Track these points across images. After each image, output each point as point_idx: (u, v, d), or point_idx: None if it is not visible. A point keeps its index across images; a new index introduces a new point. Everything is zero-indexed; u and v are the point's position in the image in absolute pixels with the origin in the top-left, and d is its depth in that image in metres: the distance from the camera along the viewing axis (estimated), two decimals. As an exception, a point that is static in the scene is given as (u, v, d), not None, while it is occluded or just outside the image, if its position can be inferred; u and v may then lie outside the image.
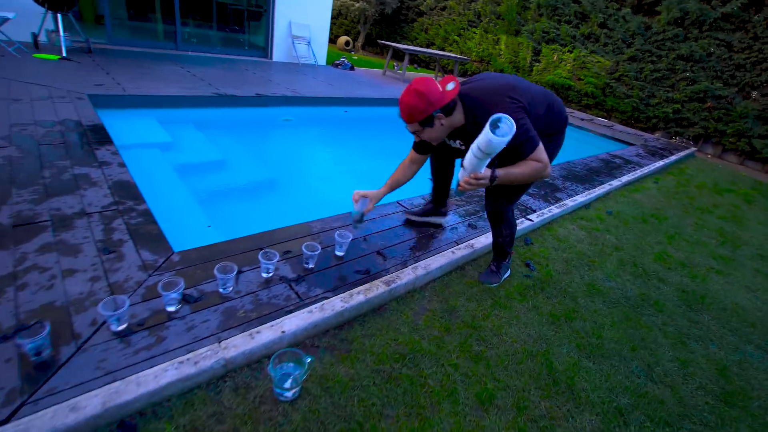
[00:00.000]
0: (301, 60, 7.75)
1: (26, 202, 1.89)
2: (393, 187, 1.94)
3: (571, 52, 9.43)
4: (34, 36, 4.91)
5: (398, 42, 13.63)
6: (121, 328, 1.32)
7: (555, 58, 9.65)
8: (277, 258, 1.70)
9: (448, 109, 1.54)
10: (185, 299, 1.48)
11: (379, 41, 9.24)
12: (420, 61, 12.72)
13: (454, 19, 11.76)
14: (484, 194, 1.96)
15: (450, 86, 1.52)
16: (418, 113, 1.52)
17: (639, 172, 4.88)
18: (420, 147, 1.89)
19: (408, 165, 1.94)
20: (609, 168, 4.75)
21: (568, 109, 9.07)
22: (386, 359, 1.52)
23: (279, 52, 7.70)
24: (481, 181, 1.47)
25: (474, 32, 11.27)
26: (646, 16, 8.48)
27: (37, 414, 1.04)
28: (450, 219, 2.49)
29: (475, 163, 1.44)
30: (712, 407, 1.61)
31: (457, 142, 1.78)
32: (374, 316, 1.74)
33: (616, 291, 2.30)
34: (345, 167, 4.23)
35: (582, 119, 8.13)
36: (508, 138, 1.31)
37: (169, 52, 6.49)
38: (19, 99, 3.18)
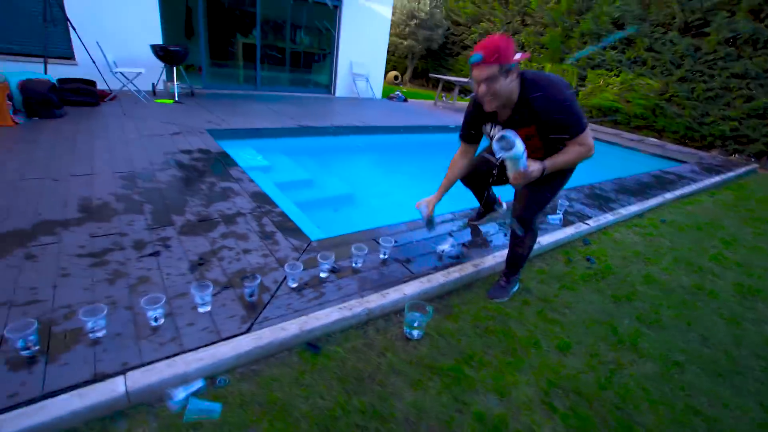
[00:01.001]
0: (361, 95, 8.61)
1: (199, 206, 2.57)
2: (448, 186, 2.11)
3: (617, 75, 9.65)
4: (153, 85, 6.03)
5: (444, 74, 14.43)
6: (295, 285, 1.88)
7: (601, 82, 9.90)
8: (392, 244, 2.22)
9: (518, 72, 1.59)
10: (333, 270, 2.02)
11: (430, 74, 9.98)
12: (467, 92, 13.37)
13: (497, 51, 12.38)
14: (514, 211, 2.00)
15: (517, 56, 1.53)
16: (504, 56, 1.49)
17: (694, 186, 5.03)
18: (469, 137, 1.97)
19: (459, 159, 2.06)
20: (662, 183, 4.95)
21: (615, 131, 9.23)
22: (481, 318, 1.96)
23: (341, 88, 8.61)
24: (532, 175, 1.61)
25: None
26: (695, 38, 8.60)
27: (263, 329, 1.59)
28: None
29: (511, 166, 1.61)
30: (763, 367, 1.88)
31: (497, 127, 1.79)
32: (466, 291, 2.19)
33: (671, 282, 2.59)
34: (409, 182, 4.79)
35: (631, 140, 8.26)
36: (512, 152, 1.50)
37: (250, 93, 7.53)
38: (161, 134, 4.05)
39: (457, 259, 2.32)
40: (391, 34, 13.51)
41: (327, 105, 7.34)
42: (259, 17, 7.32)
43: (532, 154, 1.70)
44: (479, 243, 2.61)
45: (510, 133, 1.50)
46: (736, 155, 8.33)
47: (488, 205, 2.67)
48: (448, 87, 12.57)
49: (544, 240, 2.74)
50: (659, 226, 3.61)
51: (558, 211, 3.19)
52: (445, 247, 2.35)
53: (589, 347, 1.86)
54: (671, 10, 8.71)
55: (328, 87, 8.70)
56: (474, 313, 2.00)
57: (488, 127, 1.85)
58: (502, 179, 2.05)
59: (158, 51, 5.67)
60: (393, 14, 13.32)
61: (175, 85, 5.84)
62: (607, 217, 3.37)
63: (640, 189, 4.48)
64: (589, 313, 2.13)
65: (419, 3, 12.85)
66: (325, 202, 3.77)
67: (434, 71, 14.76)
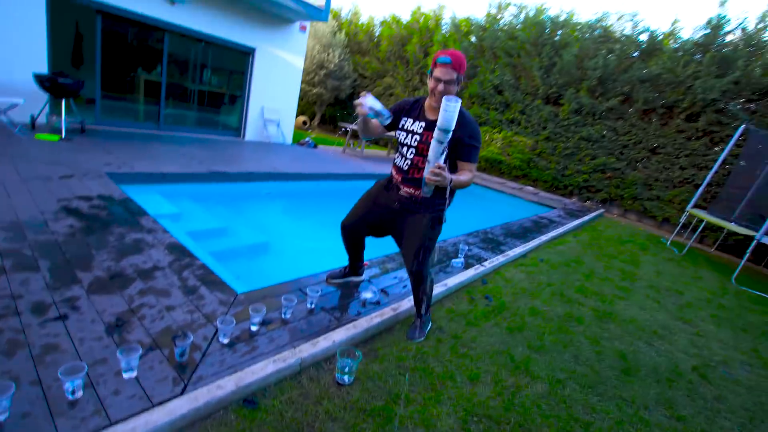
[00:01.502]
0: (271, 139, 8.67)
1: (108, 260, 2.40)
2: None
3: (499, 132, 11.33)
4: (33, 118, 5.35)
5: (352, 121, 15.24)
6: (227, 340, 1.89)
7: (487, 137, 11.49)
8: (319, 293, 2.35)
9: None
10: (263, 322, 2.07)
11: (339, 124, 10.50)
12: (374, 140, 14.26)
13: (400, 104, 13.63)
14: (407, 264, 2.22)
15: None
16: (463, 68, 1.87)
17: (561, 229, 6.11)
18: (390, 125, 2.14)
19: (377, 125, 2.15)
20: (539, 227, 5.92)
21: (500, 180, 10.70)
22: (404, 358, 2.18)
23: (251, 131, 8.58)
24: (443, 174, 1.75)
25: (418, 115, 13.08)
26: (554, 106, 10.64)
27: (199, 390, 1.58)
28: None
29: (436, 149, 1.77)
30: (617, 376, 2.42)
31: (420, 123, 2.03)
32: (388, 334, 2.40)
33: (550, 312, 3.15)
34: (322, 230, 4.97)
35: (513, 188, 9.67)
36: (457, 108, 1.69)
37: (151, 132, 7.09)
38: (49, 177, 3.63)
39: (378, 305, 2.54)
40: (301, 81, 13.98)
41: (237, 149, 7.25)
42: (166, 55, 7.08)
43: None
44: (396, 289, 2.88)
45: (454, 99, 1.70)
46: (589, 201, 10.26)
47: (355, 268, 2.74)
48: (356, 135, 13.29)
49: (451, 282, 3.12)
50: (539, 264, 4.32)
51: (459, 256, 3.65)
52: (368, 294, 2.56)
53: (494, 375, 2.19)
54: (536, 83, 10.69)
55: (238, 130, 8.60)
56: (397, 354, 2.21)
57: (408, 121, 2.07)
58: (383, 230, 2.37)
59: (44, 82, 5.11)
60: (303, 62, 13.88)
61: (63, 120, 5.27)
62: (499, 259, 3.95)
63: (522, 233, 5.31)
64: (491, 344, 2.50)
65: (329, 55, 13.62)
66: (240, 251, 3.73)
67: (342, 119, 15.52)
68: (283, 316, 2.18)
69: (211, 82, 8.30)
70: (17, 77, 5.40)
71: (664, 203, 9.17)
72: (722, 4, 8.41)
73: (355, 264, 2.71)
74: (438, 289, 2.96)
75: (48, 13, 5.58)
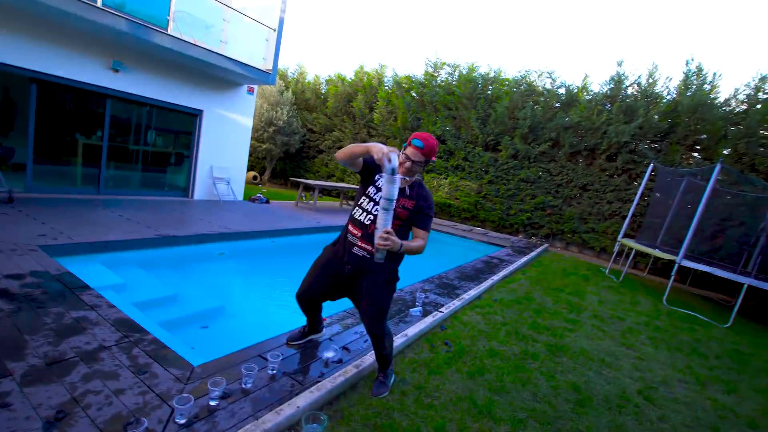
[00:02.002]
0: (222, 197, 8.56)
1: (45, 345, 2.23)
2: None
3: (446, 178, 11.98)
4: (-47, 193, 4.95)
5: (302, 174, 15.44)
6: (184, 420, 1.80)
7: (435, 183, 12.09)
8: (280, 358, 2.32)
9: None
10: (223, 395, 2.00)
11: (291, 178, 10.62)
12: (326, 192, 14.47)
13: (350, 155, 14.08)
14: (366, 325, 2.27)
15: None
16: (433, 155, 2.05)
17: (511, 267, 6.44)
18: (367, 162, 2.16)
19: (360, 164, 2.15)
20: (490, 267, 6.21)
21: (451, 222, 11.18)
22: (370, 416, 2.17)
23: (200, 190, 8.43)
24: (391, 239, 1.84)
25: (368, 165, 13.55)
26: (494, 152, 11.53)
27: (154, 479, 1.49)
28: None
29: (383, 217, 1.85)
30: (572, 409, 2.55)
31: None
32: (352, 392, 2.39)
33: (507, 351, 3.29)
34: (277, 291, 4.90)
35: (464, 230, 10.12)
36: (397, 183, 1.80)
37: (91, 197, 6.76)
38: (-27, 257, 3.34)
39: (341, 363, 2.54)
40: (250, 139, 14.11)
41: (186, 210, 7.07)
42: (108, 118, 6.95)
43: (394, 222, 1.99)
44: (358, 344, 2.89)
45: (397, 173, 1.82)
46: (534, 237, 10.93)
47: (314, 326, 2.71)
48: (309, 188, 13.42)
49: (411, 331, 3.19)
50: (493, 304, 4.52)
51: (417, 304, 3.75)
52: (329, 354, 2.55)
53: (458, 422, 2.23)
54: (475, 132, 11.59)
55: (186, 190, 8.42)
56: (363, 413, 2.20)
57: (381, 179, 2.13)
58: (338, 294, 2.37)
59: (-33, 154, 4.81)
60: (252, 121, 14.09)
61: (-12, 193, 4.93)
62: (455, 303, 4.10)
63: (475, 274, 5.54)
64: (454, 391, 2.55)
65: (277, 112, 13.97)
66: (195, 318, 3.58)
67: (293, 172, 15.68)
68: (243, 386, 2.12)
69: (157, 143, 8.17)
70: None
71: (599, 234, 10.00)
72: (620, 64, 9.84)
73: (314, 323, 2.70)
74: (398, 340, 3.00)
75: (-23, 83, 5.36)
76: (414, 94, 12.91)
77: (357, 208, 2.20)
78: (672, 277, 6.28)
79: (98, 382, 1.98)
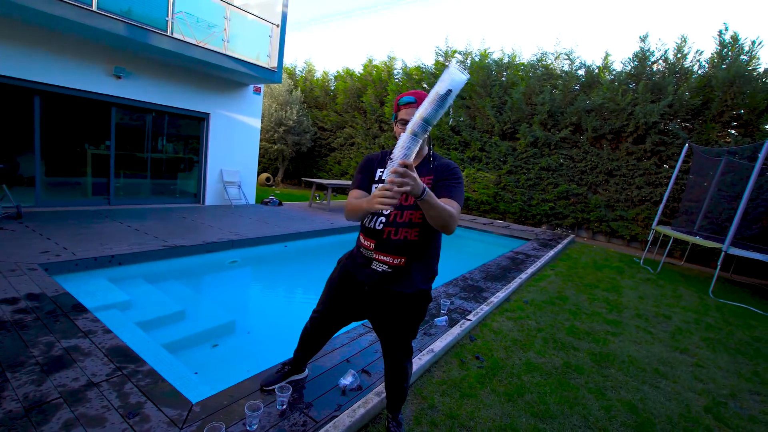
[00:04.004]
0: (233, 202, 8.36)
1: (27, 384, 1.98)
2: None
3: (462, 171, 11.53)
4: (-41, 211, 4.85)
5: (315, 173, 15.21)
6: (175, 478, 1.52)
7: (451, 176, 11.66)
8: (290, 392, 2.02)
9: None
10: (222, 441, 1.71)
11: (303, 179, 10.37)
12: (340, 190, 14.19)
13: (362, 152, 13.76)
14: (387, 355, 1.85)
15: None
16: None
17: (539, 263, 6.02)
18: (362, 184, 1.72)
19: (359, 195, 1.68)
20: (516, 264, 5.81)
21: (470, 216, 10.74)
22: (396, 458, 1.85)
23: (211, 196, 8.25)
24: (411, 177, 1.24)
25: (381, 161, 13.21)
26: (512, 141, 11.02)
27: None
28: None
29: (408, 142, 1.28)
30: (632, 439, 2.17)
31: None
32: (374, 426, 2.07)
33: (546, 364, 2.92)
34: (294, 300, 4.62)
35: (484, 224, 9.69)
36: (462, 78, 1.26)
37: (102, 208, 6.63)
38: (-32, 281, 3.16)
39: (360, 391, 2.22)
40: (260, 139, 13.93)
41: (196, 216, 6.88)
42: (114, 127, 6.80)
43: (411, 212, 1.61)
44: (379, 365, 2.57)
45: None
46: (558, 228, 10.42)
47: (301, 364, 2.22)
48: (321, 187, 13.19)
49: (438, 346, 2.85)
50: (524, 307, 4.13)
51: (442, 312, 3.41)
52: (347, 380, 2.24)
53: (501, 462, 1.89)
54: (491, 121, 11.10)
55: (197, 196, 8.26)
56: (387, 451, 1.89)
57: (382, 172, 1.71)
58: (358, 317, 1.91)
59: (-30, 171, 4.69)
60: (261, 121, 13.91)
61: (-7, 210, 4.81)
62: (484, 308, 3.74)
63: (501, 273, 5.15)
64: (492, 418, 2.21)
65: (286, 112, 13.74)
66: (202, 336, 3.32)
67: (306, 172, 15.46)
68: (249, 428, 1.82)
69: (165, 150, 8.02)
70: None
71: (629, 222, 9.42)
72: (643, 39, 9.18)
73: (308, 359, 2.20)
74: (424, 357, 2.67)
75: (-22, 98, 5.25)
76: (425, 85, 12.47)
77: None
78: (718, 268, 5.75)
79: (80, 431, 1.71)
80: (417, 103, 1.59)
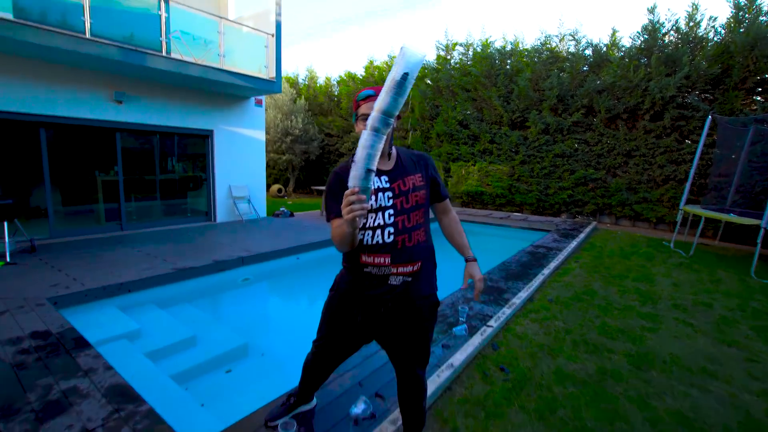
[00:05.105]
0: (244, 217, 8.30)
1: (21, 436, 1.87)
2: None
3: (474, 165, 11.24)
4: (-27, 249, 4.88)
5: (325, 181, 15.09)
6: None
7: (463, 172, 11.38)
8: (294, 428, 1.84)
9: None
10: (222, 492, 1.55)
11: (313, 187, 10.26)
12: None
13: (371, 155, 13.60)
14: (404, 370, 1.69)
15: None
16: None
17: (562, 256, 5.72)
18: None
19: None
20: (537, 259, 5.53)
21: (486, 211, 10.44)
22: (417, 497, 1.66)
23: (221, 213, 8.22)
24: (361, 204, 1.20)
25: (391, 162, 13.03)
26: (522, 130, 10.67)
27: None
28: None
29: (370, 139, 1.17)
30: (685, 456, 1.92)
31: (383, 179, 1.52)
32: (392, 457, 1.88)
33: (579, 372, 2.67)
34: (307, 313, 4.46)
35: (500, 218, 9.38)
36: (418, 58, 1.15)
37: (115, 234, 6.65)
38: (-25, 322, 3.11)
39: (374, 418, 2.04)
40: (269, 151, 13.95)
41: (208, 235, 6.83)
42: (120, 151, 6.81)
43: (413, 213, 1.51)
44: (393, 387, 2.38)
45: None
46: (578, 216, 10.01)
47: (309, 393, 2.01)
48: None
49: (458, 359, 2.64)
50: (549, 306, 3.87)
51: (461, 320, 3.19)
52: (359, 408, 2.05)
53: (536, 495, 1.67)
54: (499, 111, 10.78)
55: (208, 214, 8.23)
56: (407, 489, 1.69)
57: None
58: (366, 341, 1.72)
59: (-21, 209, 4.72)
60: (268, 132, 13.92)
61: (6, 243, 4.82)
62: (505, 312, 3.50)
63: (522, 270, 4.89)
64: (522, 441, 1.99)
65: (292, 122, 13.70)
66: (213, 363, 3.19)
67: (316, 180, 15.40)
68: (251, 472, 1.66)
69: (173, 170, 8.03)
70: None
71: (653, 204, 8.97)
72: (651, 11, 8.74)
73: (312, 390, 1.99)
74: (443, 373, 2.47)
75: (-17, 136, 5.30)
76: (428, 81, 12.24)
77: (363, 231, 1.49)
78: (758, 246, 5.34)
79: (71, 488, 1.58)
80: (377, 96, 1.43)
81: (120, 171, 6.89)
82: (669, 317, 3.70)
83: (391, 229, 1.48)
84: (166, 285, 4.46)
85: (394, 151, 1.57)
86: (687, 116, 8.39)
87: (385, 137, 1.19)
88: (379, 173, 1.52)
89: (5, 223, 4.91)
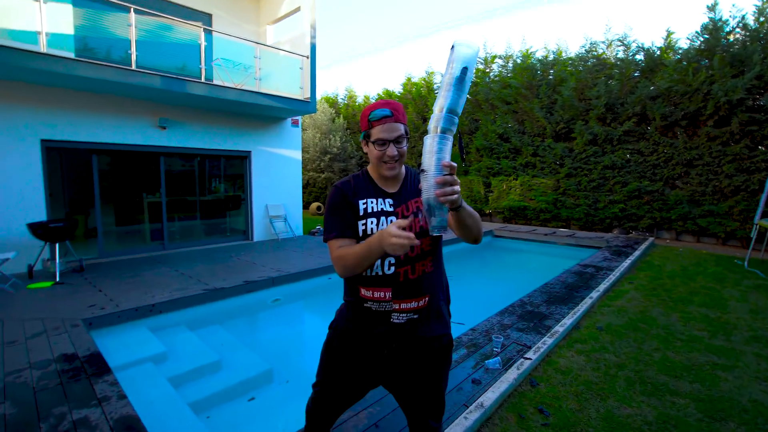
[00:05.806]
0: (280, 235, 8.40)
1: (25, 468, 1.82)
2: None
3: (516, 179, 10.75)
4: (30, 267, 5.23)
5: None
6: None
7: (504, 186, 10.92)
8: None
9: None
10: None
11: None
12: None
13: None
14: (416, 421, 1.46)
15: None
16: (405, 117, 1.35)
17: (613, 276, 5.18)
18: (347, 228, 1.36)
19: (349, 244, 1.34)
20: (584, 280, 5.03)
21: (528, 228, 9.88)
22: None
23: (258, 232, 8.37)
24: (455, 180, 1.09)
25: (428, 178, 12.81)
26: (567, 142, 10.08)
27: None
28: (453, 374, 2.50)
29: (438, 145, 1.07)
30: None
31: (387, 201, 1.37)
32: None
33: (635, 418, 2.27)
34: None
35: (545, 234, 8.82)
36: (473, 50, 1.08)
37: (157, 253, 6.93)
38: (14, 341, 3.24)
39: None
40: (308, 170, 14.25)
41: (243, 254, 6.93)
42: (164, 174, 7.15)
43: (424, 242, 1.32)
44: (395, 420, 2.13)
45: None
46: (633, 232, 9.19)
47: None
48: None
49: (488, 398, 2.33)
50: (598, 335, 3.44)
51: (495, 350, 2.87)
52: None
53: None
54: (541, 123, 10.29)
55: (245, 233, 8.42)
56: None
57: (370, 202, 1.37)
58: (372, 387, 1.50)
59: (36, 230, 5.06)
60: (306, 152, 14.26)
61: (57, 263, 5.12)
62: (546, 342, 3.12)
63: (567, 293, 4.44)
64: None
65: (330, 140, 13.95)
66: (236, 389, 3.10)
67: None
68: None
69: (213, 191, 8.34)
70: (15, 229, 5.42)
71: (721, 217, 8.03)
72: (711, 8, 8.01)
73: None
74: (472, 415, 2.18)
75: (43, 163, 5.74)
76: (468, 96, 11.99)
77: None
78: None
79: None
80: (395, 116, 1.29)
81: (163, 192, 7.23)
82: (748, 352, 3.14)
83: (392, 260, 1.30)
84: (195, 306, 4.49)
85: (403, 170, 1.42)
86: (759, 120, 7.51)
87: (451, 138, 1.10)
88: (384, 195, 1.38)
89: (57, 245, 5.24)
